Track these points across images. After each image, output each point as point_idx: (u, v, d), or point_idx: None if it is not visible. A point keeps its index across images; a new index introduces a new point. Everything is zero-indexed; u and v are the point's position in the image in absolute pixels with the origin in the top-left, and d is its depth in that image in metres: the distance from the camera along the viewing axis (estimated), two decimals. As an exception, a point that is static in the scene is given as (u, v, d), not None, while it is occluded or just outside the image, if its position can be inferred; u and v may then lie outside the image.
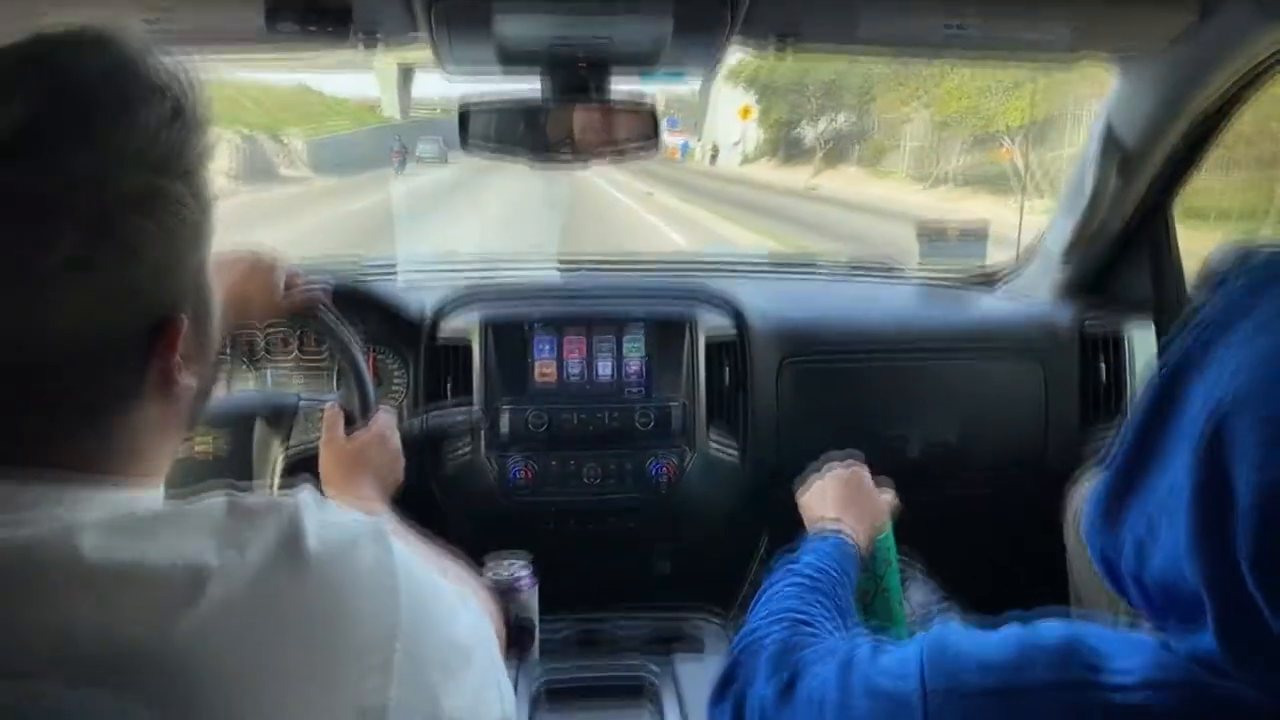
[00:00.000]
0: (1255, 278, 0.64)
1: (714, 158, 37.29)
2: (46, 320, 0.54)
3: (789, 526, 1.22)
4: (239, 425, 1.32)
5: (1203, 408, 0.60)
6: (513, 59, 1.28)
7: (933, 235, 2.03)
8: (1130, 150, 1.55)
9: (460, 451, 1.57)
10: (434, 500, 1.58)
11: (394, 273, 1.98)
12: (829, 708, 0.76)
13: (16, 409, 0.57)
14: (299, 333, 1.61)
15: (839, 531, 1.12)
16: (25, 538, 0.54)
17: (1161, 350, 1.72)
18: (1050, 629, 0.68)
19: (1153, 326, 1.74)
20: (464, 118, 1.37)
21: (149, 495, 0.63)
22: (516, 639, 1.19)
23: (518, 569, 1.22)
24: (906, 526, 1.28)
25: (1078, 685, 0.62)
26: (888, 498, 1.24)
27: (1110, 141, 1.56)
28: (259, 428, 1.34)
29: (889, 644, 0.79)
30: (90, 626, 0.52)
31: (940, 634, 0.73)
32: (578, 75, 1.34)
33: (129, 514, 0.58)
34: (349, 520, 0.62)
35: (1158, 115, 1.47)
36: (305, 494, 0.62)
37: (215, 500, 0.59)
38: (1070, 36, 1.39)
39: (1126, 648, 0.63)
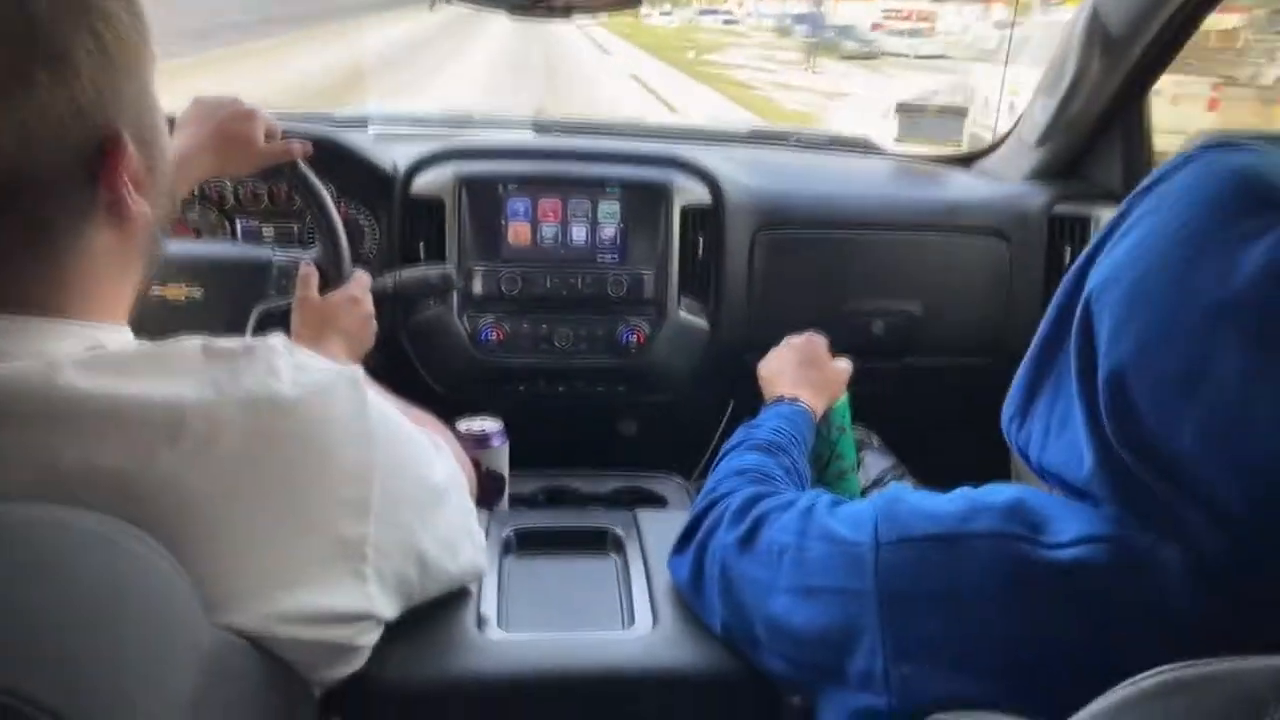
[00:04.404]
0: (1158, 172, 0.65)
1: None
2: None
3: (754, 396, 1.24)
4: (212, 276, 1.30)
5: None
6: None
7: (911, 112, 2.00)
8: (1114, 37, 1.52)
9: (431, 309, 1.58)
10: (405, 358, 1.59)
11: (364, 126, 1.93)
12: (788, 551, 0.78)
13: None
14: (269, 185, 1.58)
15: (795, 400, 1.15)
16: (2, 371, 0.54)
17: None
18: (998, 490, 0.71)
19: (1120, 213, 1.75)
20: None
21: (118, 335, 0.63)
22: (487, 490, 1.23)
23: (489, 424, 1.26)
24: (866, 399, 1.30)
25: (1018, 538, 0.66)
26: (844, 366, 1.25)
27: (1095, 26, 1.53)
28: (232, 280, 1.33)
29: (846, 500, 0.82)
30: (73, 458, 0.53)
31: (894, 492, 0.76)
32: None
33: (103, 352, 0.58)
34: (323, 366, 0.64)
35: (1145, 1, 1.45)
36: (278, 339, 0.62)
37: (190, 342, 0.60)
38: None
39: (1063, 512, 0.67)
